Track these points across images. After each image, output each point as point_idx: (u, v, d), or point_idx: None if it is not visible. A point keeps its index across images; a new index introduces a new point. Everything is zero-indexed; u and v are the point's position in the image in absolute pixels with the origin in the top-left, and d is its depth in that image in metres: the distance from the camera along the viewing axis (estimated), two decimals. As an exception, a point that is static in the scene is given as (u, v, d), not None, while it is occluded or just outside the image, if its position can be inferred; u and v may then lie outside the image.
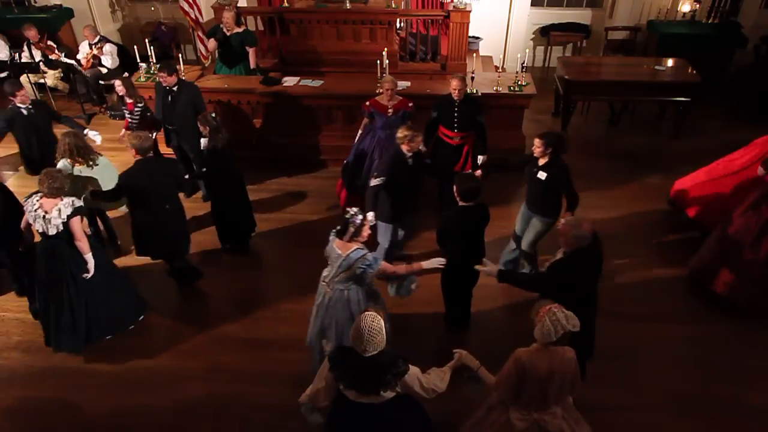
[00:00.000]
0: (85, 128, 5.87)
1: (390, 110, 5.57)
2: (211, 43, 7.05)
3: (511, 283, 4.22)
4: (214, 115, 5.39)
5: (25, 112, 5.59)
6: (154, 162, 4.91)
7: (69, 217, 4.19)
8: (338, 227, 3.84)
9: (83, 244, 4.32)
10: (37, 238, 4.40)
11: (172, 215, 4.94)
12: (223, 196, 5.43)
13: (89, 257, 4.38)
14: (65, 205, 4.19)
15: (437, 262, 4.05)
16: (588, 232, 3.71)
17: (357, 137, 5.88)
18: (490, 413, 3.47)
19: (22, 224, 4.43)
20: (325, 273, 4.07)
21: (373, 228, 4.62)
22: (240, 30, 6.92)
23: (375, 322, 2.95)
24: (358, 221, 3.77)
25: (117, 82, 5.99)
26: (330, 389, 3.14)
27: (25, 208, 4.26)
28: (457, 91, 5.40)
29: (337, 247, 3.85)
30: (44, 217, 4.15)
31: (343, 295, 3.94)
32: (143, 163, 4.75)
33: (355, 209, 3.86)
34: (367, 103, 5.66)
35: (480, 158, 5.71)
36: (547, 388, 3.17)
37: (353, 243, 3.83)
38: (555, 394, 3.24)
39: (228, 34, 6.86)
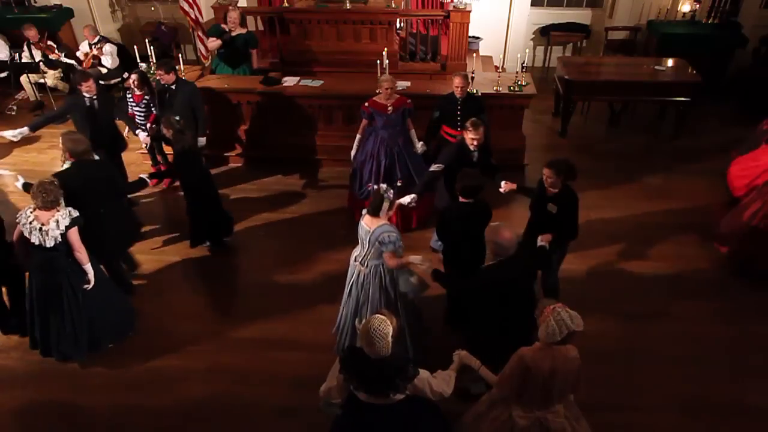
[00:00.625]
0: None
1: (390, 109, 5.57)
2: (215, 43, 6.97)
3: (442, 285, 4.10)
4: (178, 118, 5.44)
5: (87, 102, 5.61)
6: (89, 165, 4.72)
7: (67, 228, 4.11)
8: (372, 204, 3.98)
9: (82, 254, 4.25)
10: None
11: (108, 219, 4.76)
12: (198, 196, 5.40)
13: (89, 267, 4.32)
14: (62, 216, 4.11)
15: (418, 258, 3.98)
16: (507, 241, 3.62)
17: (356, 141, 5.82)
18: (492, 409, 3.47)
19: (15, 236, 4.27)
20: (356, 252, 4.20)
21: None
22: (244, 31, 6.92)
23: (382, 326, 2.94)
24: (392, 195, 3.94)
25: (133, 76, 6.10)
26: (342, 388, 3.15)
27: (18, 221, 4.14)
28: (459, 89, 5.41)
29: (366, 224, 3.97)
30: (41, 229, 4.07)
31: (378, 271, 4.04)
32: (77, 166, 4.65)
33: (384, 185, 4.01)
34: (366, 104, 5.64)
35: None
36: (550, 386, 3.18)
37: (382, 219, 3.95)
38: (558, 393, 3.25)
39: (233, 34, 6.86)
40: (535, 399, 3.26)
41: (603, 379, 4.36)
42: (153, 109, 6.12)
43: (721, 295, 5.21)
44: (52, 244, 4.11)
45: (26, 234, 4.11)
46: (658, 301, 5.17)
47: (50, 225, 4.07)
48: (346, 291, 4.34)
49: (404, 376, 3.01)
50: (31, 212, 4.12)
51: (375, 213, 3.98)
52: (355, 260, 4.19)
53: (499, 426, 3.40)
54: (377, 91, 5.64)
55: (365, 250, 4.06)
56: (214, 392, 4.38)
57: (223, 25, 6.90)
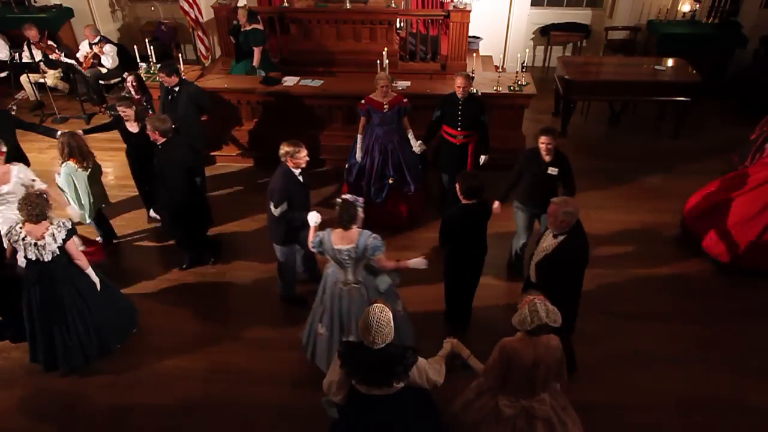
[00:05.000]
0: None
1: (386, 106, 5.57)
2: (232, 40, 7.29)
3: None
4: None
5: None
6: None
7: (64, 241, 4.06)
8: (342, 219, 3.85)
9: (82, 261, 4.23)
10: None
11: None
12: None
13: (90, 271, 4.31)
14: (57, 229, 4.03)
15: (422, 263, 4.06)
16: (575, 209, 3.78)
17: (358, 141, 5.78)
18: (480, 397, 3.52)
19: (8, 254, 4.20)
20: (338, 276, 4.04)
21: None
22: (249, 28, 6.98)
23: (383, 313, 2.99)
24: (360, 204, 3.86)
25: (130, 78, 6.11)
26: (342, 384, 3.17)
27: (8, 238, 4.04)
28: (461, 89, 5.40)
29: (340, 242, 3.86)
30: (36, 244, 3.98)
31: (360, 292, 4.00)
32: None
33: (346, 195, 3.91)
34: (362, 101, 5.65)
35: (482, 158, 5.70)
36: (534, 375, 3.23)
37: (352, 231, 3.87)
38: (542, 382, 3.29)
39: (242, 30, 7.00)
40: (520, 388, 3.30)
41: (603, 379, 4.37)
42: (150, 110, 6.12)
43: (721, 295, 5.21)
44: (50, 258, 4.04)
45: (20, 251, 4.02)
46: (658, 301, 5.17)
47: (46, 240, 3.98)
48: (326, 315, 4.16)
49: (405, 362, 3.04)
50: (20, 228, 4.00)
51: (348, 226, 3.84)
52: (343, 285, 4.01)
53: (487, 414, 3.44)
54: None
55: (352, 268, 3.94)
56: (214, 392, 4.38)
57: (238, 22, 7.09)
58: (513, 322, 3.18)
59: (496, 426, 3.40)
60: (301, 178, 4.60)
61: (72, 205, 5.17)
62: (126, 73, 7.32)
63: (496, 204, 4.89)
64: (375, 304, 3.04)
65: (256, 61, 7.08)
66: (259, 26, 7.07)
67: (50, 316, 4.26)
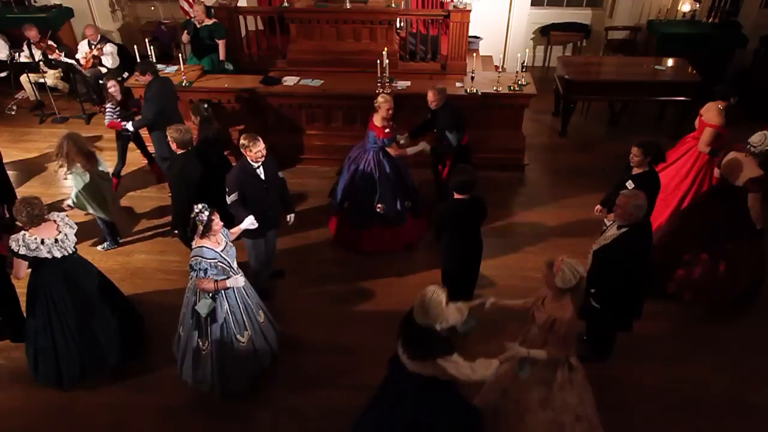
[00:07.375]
0: None
1: (387, 130, 5.37)
2: (185, 37, 7.43)
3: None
4: (206, 105, 5.44)
5: None
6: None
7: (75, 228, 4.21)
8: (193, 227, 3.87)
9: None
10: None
11: None
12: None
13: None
14: (64, 221, 4.13)
15: (237, 281, 4.03)
16: (645, 203, 3.81)
17: (364, 165, 5.51)
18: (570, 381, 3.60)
19: (21, 273, 4.04)
20: None
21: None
22: (209, 22, 7.19)
23: (435, 295, 3.09)
24: (204, 218, 3.79)
25: (111, 82, 6.06)
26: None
27: (21, 253, 3.90)
28: (430, 103, 5.37)
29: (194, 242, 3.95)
30: (56, 241, 3.99)
31: (195, 290, 4.05)
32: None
33: (200, 205, 3.82)
34: (387, 129, 5.29)
35: (412, 148, 5.48)
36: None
37: (200, 240, 3.87)
38: None
39: (199, 26, 7.21)
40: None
41: (602, 378, 4.36)
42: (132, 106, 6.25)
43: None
44: (72, 249, 4.15)
45: (44, 255, 3.93)
46: (657, 300, 5.15)
47: (64, 231, 4.06)
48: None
49: (429, 350, 3.09)
50: (28, 237, 3.92)
51: (199, 235, 3.88)
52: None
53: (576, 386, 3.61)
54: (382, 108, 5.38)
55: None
56: (214, 392, 4.38)
57: (192, 19, 7.31)
58: (558, 284, 3.26)
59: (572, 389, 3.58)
60: (260, 173, 4.52)
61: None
62: (126, 73, 7.32)
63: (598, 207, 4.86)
64: (430, 286, 3.13)
65: (222, 55, 7.27)
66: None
67: (87, 311, 4.27)
